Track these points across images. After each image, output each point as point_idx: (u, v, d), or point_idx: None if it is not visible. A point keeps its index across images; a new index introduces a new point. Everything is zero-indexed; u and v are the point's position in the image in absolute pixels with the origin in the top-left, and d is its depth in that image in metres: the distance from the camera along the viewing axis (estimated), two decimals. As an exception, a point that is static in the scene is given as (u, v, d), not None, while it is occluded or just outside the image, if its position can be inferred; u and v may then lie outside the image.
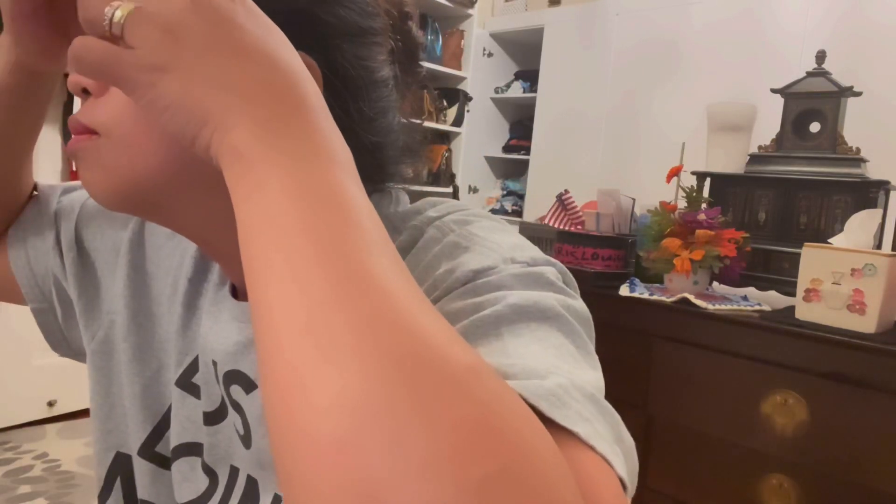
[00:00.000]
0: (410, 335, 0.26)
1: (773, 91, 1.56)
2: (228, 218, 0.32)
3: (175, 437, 0.53)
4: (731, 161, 1.62)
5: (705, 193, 1.62)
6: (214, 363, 0.50)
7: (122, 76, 0.32)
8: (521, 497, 0.23)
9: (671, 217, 1.53)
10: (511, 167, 4.15)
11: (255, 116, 0.31)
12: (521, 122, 4.12)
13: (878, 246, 1.43)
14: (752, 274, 1.54)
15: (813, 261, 1.30)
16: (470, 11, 3.85)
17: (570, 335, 0.37)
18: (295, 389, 0.25)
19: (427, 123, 3.47)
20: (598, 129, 3.40)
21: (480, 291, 0.38)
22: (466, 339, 0.30)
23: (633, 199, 1.72)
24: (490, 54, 4.02)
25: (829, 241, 1.36)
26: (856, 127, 1.55)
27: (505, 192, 4.10)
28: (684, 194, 1.58)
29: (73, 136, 0.42)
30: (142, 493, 0.55)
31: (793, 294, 1.37)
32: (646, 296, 1.51)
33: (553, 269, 0.42)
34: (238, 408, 0.48)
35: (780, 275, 1.52)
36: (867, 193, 1.43)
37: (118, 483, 0.56)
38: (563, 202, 1.80)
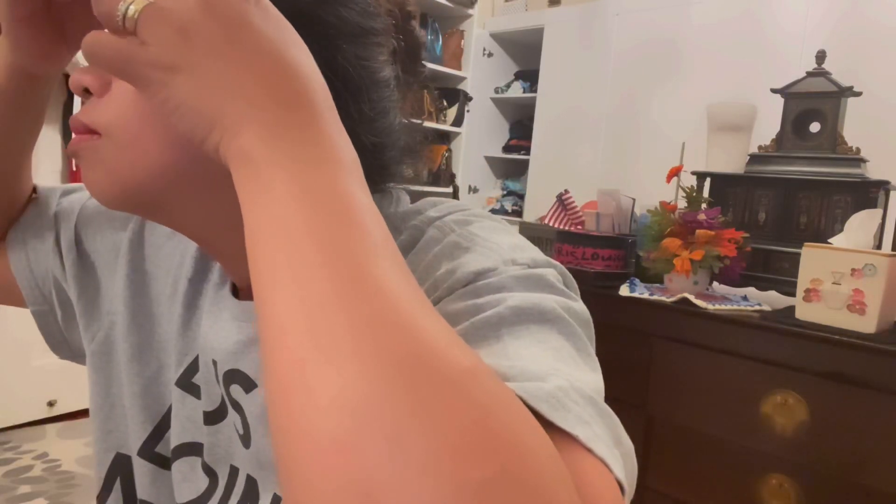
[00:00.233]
0: (411, 337, 0.26)
1: (773, 91, 1.56)
2: (229, 217, 0.32)
3: (175, 437, 0.53)
4: (731, 161, 1.62)
5: (705, 193, 1.62)
6: (214, 363, 0.50)
7: (134, 73, 0.32)
8: (519, 499, 0.24)
9: (671, 217, 1.53)
10: (511, 167, 4.15)
11: (264, 121, 0.31)
12: (521, 122, 4.12)
13: (878, 246, 1.42)
14: (752, 274, 1.54)
15: (813, 261, 1.30)
16: (470, 11, 3.85)
17: (571, 337, 0.37)
18: (296, 389, 0.26)
19: (427, 123, 3.46)
20: (598, 129, 3.40)
21: (481, 293, 0.38)
22: (467, 340, 0.30)
23: (633, 199, 1.72)
24: (490, 54, 4.01)
25: (829, 241, 1.36)
26: (856, 127, 1.55)
27: (505, 192, 4.10)
28: (684, 194, 1.58)
29: (74, 135, 0.42)
30: (141, 493, 0.55)
31: (793, 294, 1.37)
32: (646, 296, 1.51)
33: (553, 271, 0.42)
34: (238, 407, 0.48)
35: (780, 275, 1.52)
36: (867, 193, 1.43)
37: (118, 483, 0.56)
38: (563, 202, 1.79)
